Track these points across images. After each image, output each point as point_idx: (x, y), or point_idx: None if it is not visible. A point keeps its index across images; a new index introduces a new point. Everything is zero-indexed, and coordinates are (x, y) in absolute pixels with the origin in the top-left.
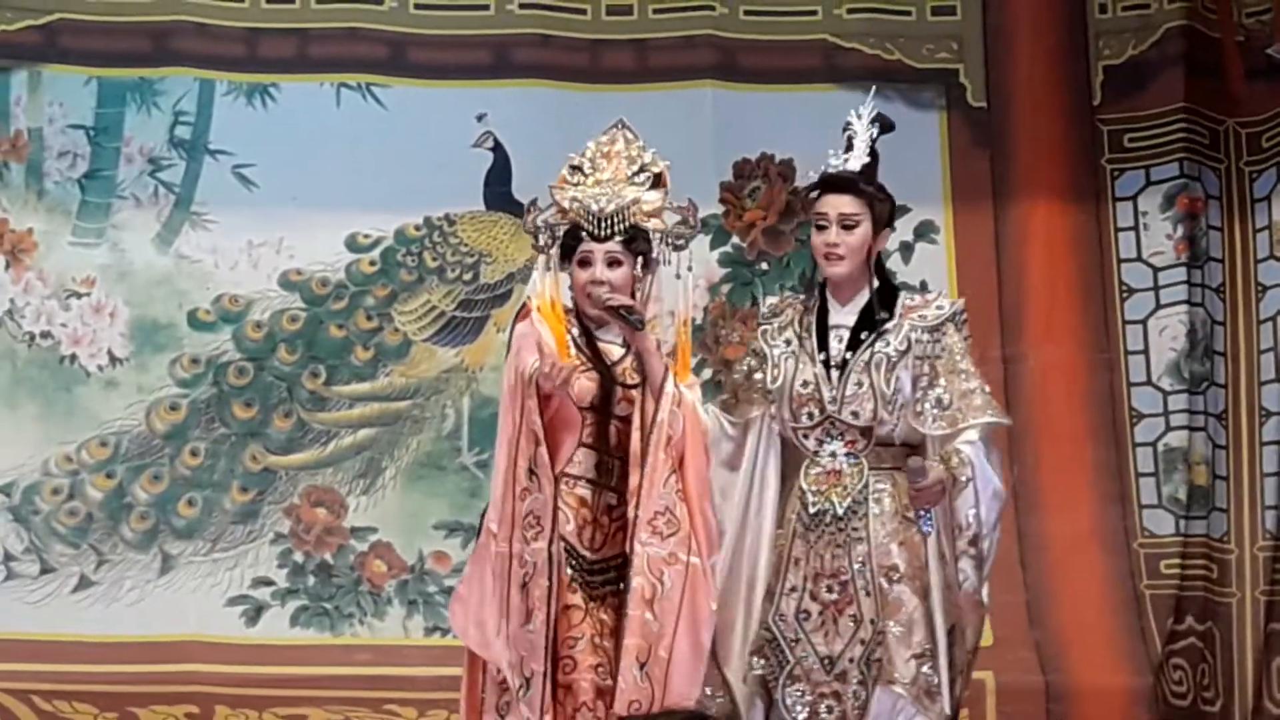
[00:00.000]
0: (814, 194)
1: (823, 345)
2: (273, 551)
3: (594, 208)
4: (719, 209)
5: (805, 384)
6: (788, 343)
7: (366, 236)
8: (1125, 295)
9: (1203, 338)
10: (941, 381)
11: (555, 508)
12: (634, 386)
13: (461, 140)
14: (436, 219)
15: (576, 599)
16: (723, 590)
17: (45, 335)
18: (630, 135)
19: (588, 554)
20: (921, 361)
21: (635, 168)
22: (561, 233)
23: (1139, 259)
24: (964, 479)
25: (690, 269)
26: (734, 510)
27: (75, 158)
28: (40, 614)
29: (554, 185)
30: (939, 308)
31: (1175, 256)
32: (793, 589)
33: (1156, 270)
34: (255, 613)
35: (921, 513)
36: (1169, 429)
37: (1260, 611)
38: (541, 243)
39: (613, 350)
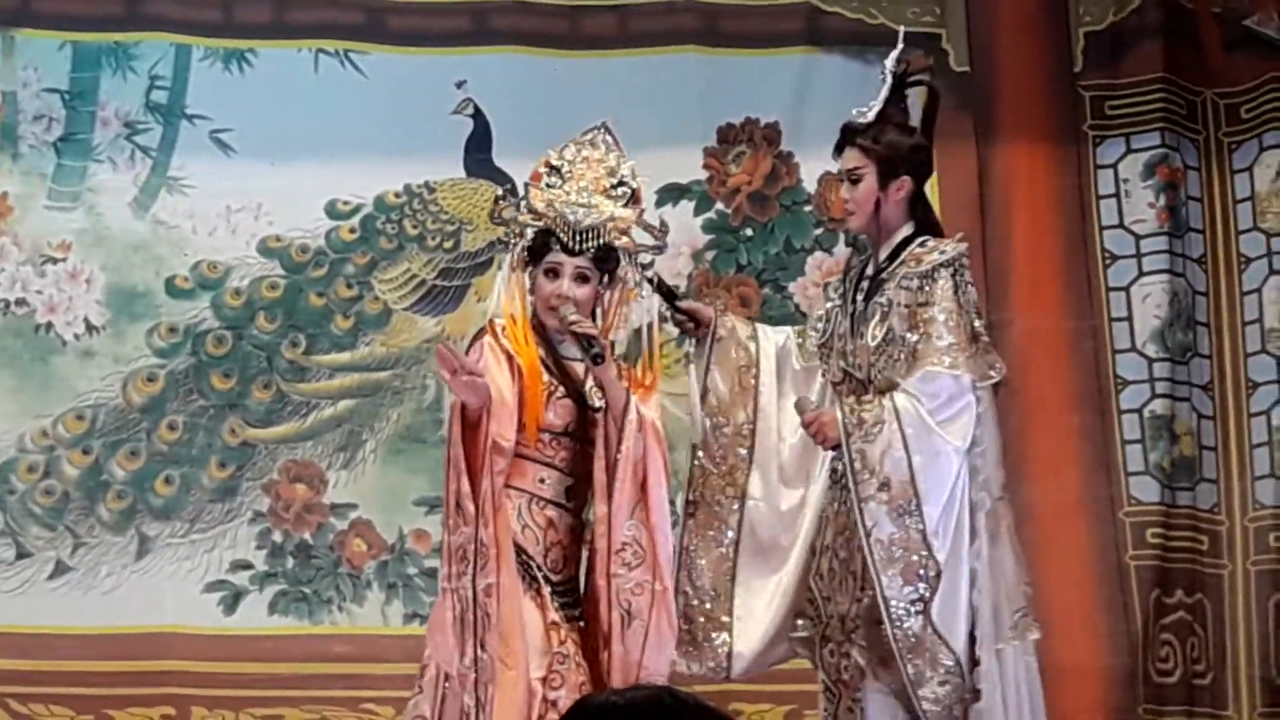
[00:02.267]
0: (837, 149)
1: (854, 299)
2: (251, 531)
3: (570, 218)
4: (703, 175)
5: (840, 338)
6: (841, 296)
7: (346, 203)
8: (1109, 262)
9: (1185, 308)
10: (920, 328)
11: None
12: (599, 410)
13: (441, 107)
14: (416, 186)
15: (557, 616)
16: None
17: (20, 303)
18: (611, 140)
19: (552, 576)
20: (909, 309)
21: (614, 180)
22: (531, 233)
23: (1121, 226)
24: (872, 424)
25: (653, 281)
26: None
27: (50, 121)
28: (17, 604)
29: (530, 181)
30: (940, 252)
31: (1157, 225)
32: (826, 547)
33: (1139, 238)
34: (233, 600)
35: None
36: (1154, 395)
37: (1252, 583)
38: (508, 237)
39: (577, 367)
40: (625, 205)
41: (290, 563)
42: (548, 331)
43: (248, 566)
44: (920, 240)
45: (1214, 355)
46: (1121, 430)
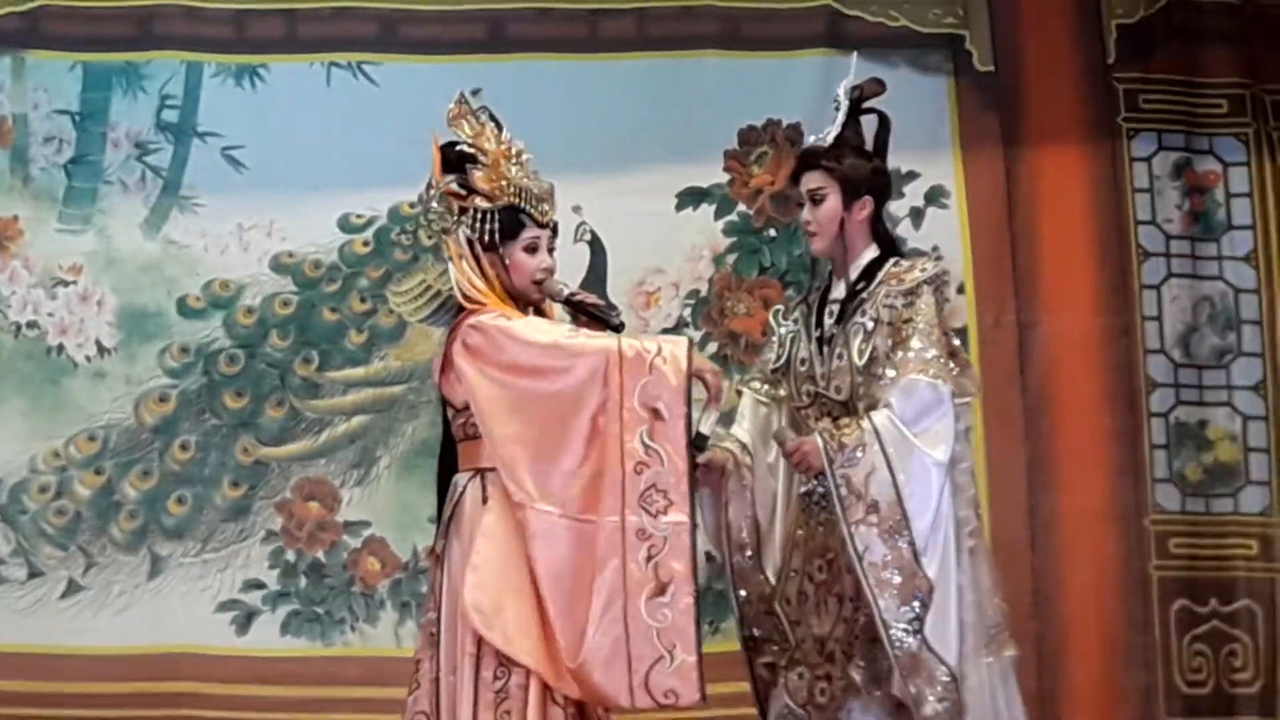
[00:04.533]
0: (797, 176)
1: (819, 322)
2: (264, 551)
3: (535, 191)
4: (723, 178)
5: (803, 361)
6: (795, 322)
7: (360, 216)
8: (1142, 258)
9: (1221, 310)
10: (902, 342)
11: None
12: None
13: None
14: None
15: None
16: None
17: (32, 325)
18: (494, 120)
19: None
20: (892, 327)
21: (524, 154)
22: (489, 216)
23: (1153, 222)
24: (854, 448)
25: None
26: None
27: (61, 143)
28: (29, 624)
29: (484, 165)
30: (921, 270)
31: (1182, 229)
32: (795, 571)
33: (1169, 238)
34: (245, 620)
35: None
36: (1179, 403)
37: None
38: (449, 226)
39: None
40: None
41: (303, 582)
42: (523, 307)
43: (260, 586)
44: (893, 260)
45: (1266, 353)
46: (1150, 434)
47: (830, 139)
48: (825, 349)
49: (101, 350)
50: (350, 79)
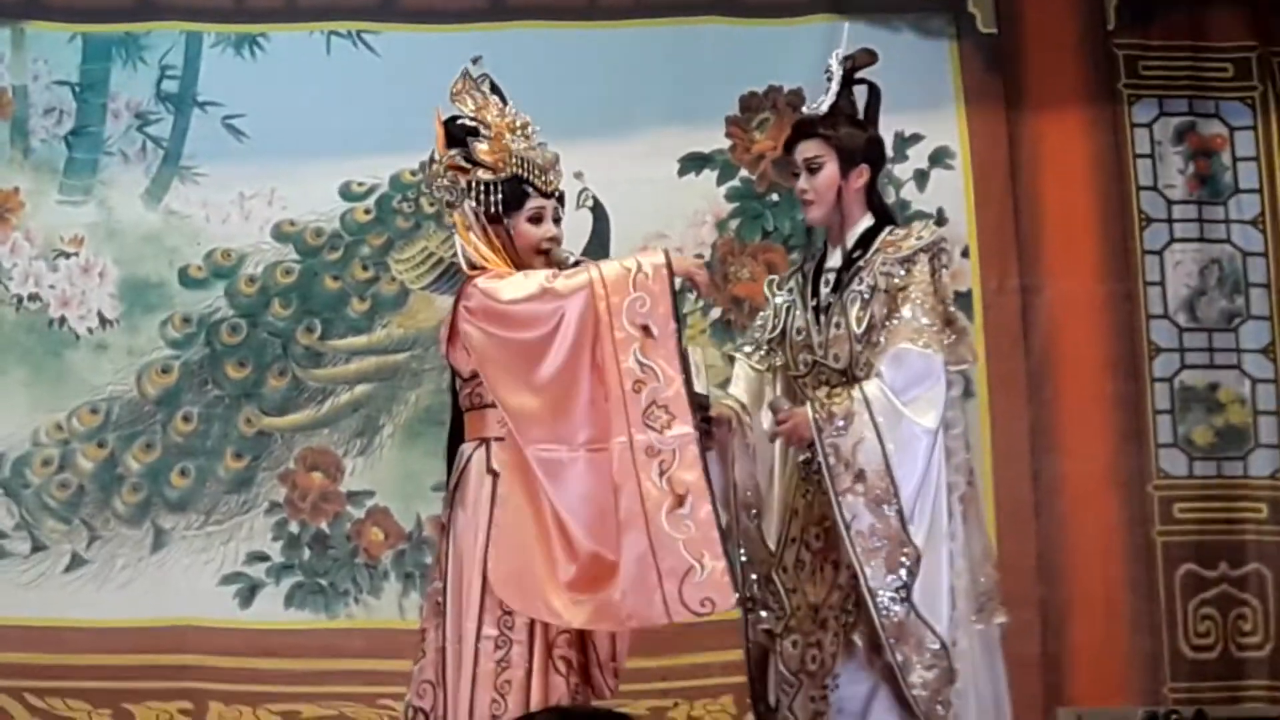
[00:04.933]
0: (791, 145)
1: (815, 291)
2: (268, 522)
3: (540, 162)
4: (725, 144)
5: (799, 330)
6: (790, 291)
7: (361, 184)
8: (1144, 224)
9: (1230, 274)
10: (896, 309)
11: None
12: None
13: None
14: None
15: None
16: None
17: (33, 298)
18: (498, 93)
19: None
20: (889, 294)
21: (529, 126)
22: (492, 188)
23: (1155, 188)
24: (842, 416)
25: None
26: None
27: (61, 114)
28: (32, 597)
29: (486, 138)
30: (918, 239)
31: (1188, 193)
32: (793, 539)
33: (1170, 204)
34: (249, 592)
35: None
36: (1184, 366)
37: None
38: (454, 199)
39: None
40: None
41: (307, 554)
42: None
43: (264, 558)
44: (889, 229)
45: (1274, 316)
46: (1154, 399)
47: (825, 108)
48: (822, 318)
49: (103, 322)
50: (350, 48)
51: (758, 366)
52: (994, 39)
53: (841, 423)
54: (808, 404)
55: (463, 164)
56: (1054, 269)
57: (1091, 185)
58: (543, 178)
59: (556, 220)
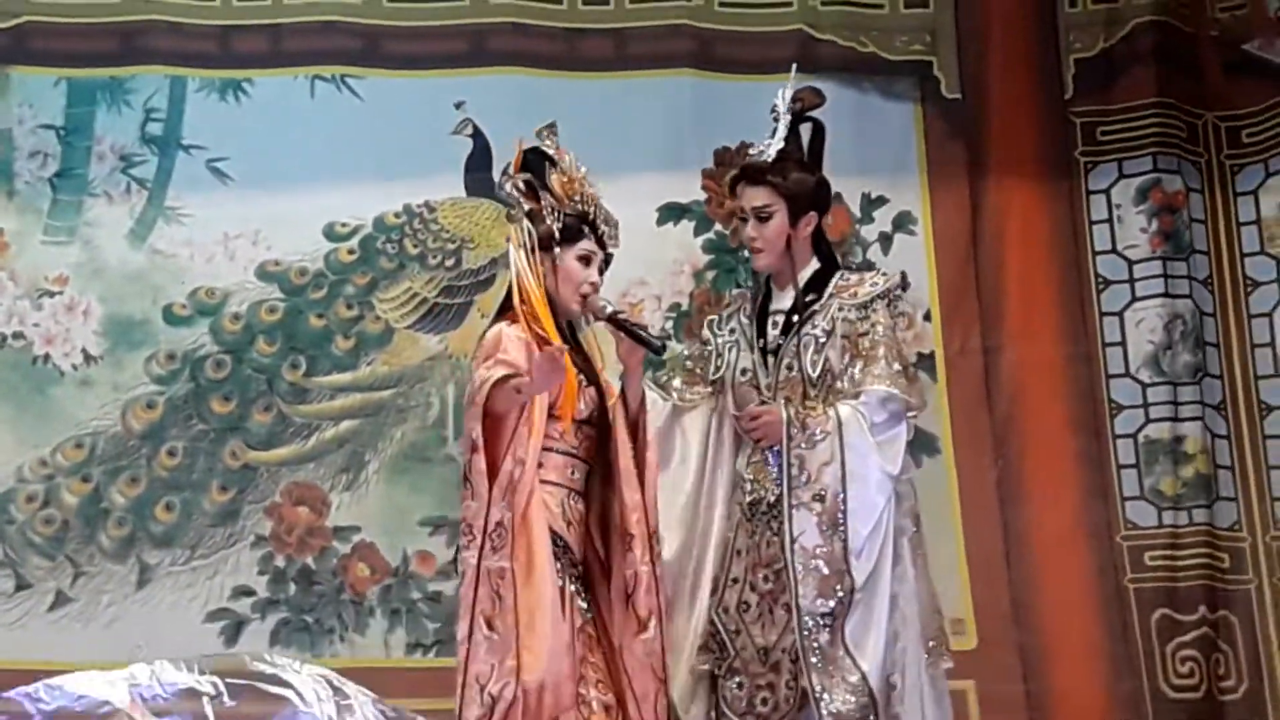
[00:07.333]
0: (736, 188)
1: (761, 332)
2: (253, 556)
3: (608, 213)
4: (701, 196)
5: (744, 371)
6: (731, 332)
7: (345, 225)
8: (1102, 287)
9: (1192, 329)
10: (862, 355)
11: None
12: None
13: (439, 128)
14: (416, 206)
15: (581, 603)
16: (673, 584)
17: (17, 336)
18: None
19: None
20: (848, 340)
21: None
22: (556, 214)
23: (1114, 251)
24: (816, 431)
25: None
26: (685, 501)
27: (46, 157)
28: (17, 637)
29: (563, 171)
30: (873, 285)
31: (1150, 250)
32: (735, 580)
33: (1131, 263)
34: (235, 629)
35: (767, 451)
36: (1149, 420)
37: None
38: (517, 215)
39: (594, 354)
40: None
41: (293, 589)
42: (558, 315)
43: (250, 593)
44: (840, 274)
45: (1224, 376)
46: (1117, 455)
47: (772, 153)
48: (770, 360)
49: (88, 358)
50: (334, 92)
51: (681, 401)
52: (958, 104)
53: (814, 437)
54: (783, 406)
55: (533, 189)
56: (1014, 332)
57: (1050, 251)
58: (604, 227)
59: (601, 273)
